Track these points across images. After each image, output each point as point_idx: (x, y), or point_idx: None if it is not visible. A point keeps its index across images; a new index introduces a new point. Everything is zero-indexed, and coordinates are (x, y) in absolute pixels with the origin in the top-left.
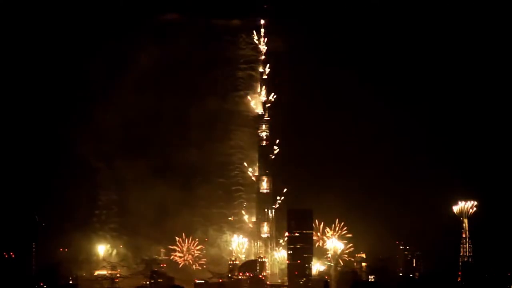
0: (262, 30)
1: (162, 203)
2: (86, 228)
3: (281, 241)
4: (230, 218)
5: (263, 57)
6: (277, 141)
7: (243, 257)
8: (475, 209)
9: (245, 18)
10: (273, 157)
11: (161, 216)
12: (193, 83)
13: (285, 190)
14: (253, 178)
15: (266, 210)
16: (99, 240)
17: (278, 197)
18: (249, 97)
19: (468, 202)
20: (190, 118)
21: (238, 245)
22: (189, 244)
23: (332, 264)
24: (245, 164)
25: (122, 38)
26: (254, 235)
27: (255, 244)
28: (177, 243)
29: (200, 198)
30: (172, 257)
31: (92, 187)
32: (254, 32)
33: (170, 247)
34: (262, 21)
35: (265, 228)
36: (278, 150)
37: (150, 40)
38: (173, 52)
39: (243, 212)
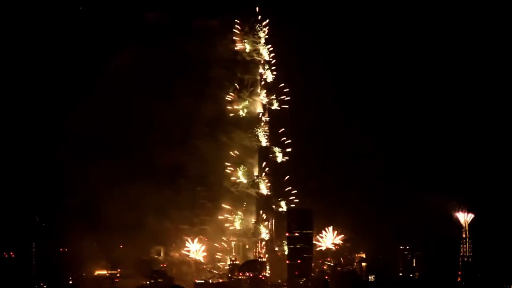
0: (264, 31)
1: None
2: (83, 228)
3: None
4: (230, 218)
5: (263, 58)
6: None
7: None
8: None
9: (241, 17)
10: (272, 156)
11: (154, 216)
12: (171, 84)
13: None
14: (255, 179)
15: (266, 210)
16: (98, 240)
17: (278, 198)
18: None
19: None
20: (167, 120)
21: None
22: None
23: (332, 264)
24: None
25: (98, 38)
26: (254, 235)
27: (255, 244)
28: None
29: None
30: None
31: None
32: (255, 32)
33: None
34: (264, 22)
35: (265, 229)
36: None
37: (135, 41)
38: (155, 52)
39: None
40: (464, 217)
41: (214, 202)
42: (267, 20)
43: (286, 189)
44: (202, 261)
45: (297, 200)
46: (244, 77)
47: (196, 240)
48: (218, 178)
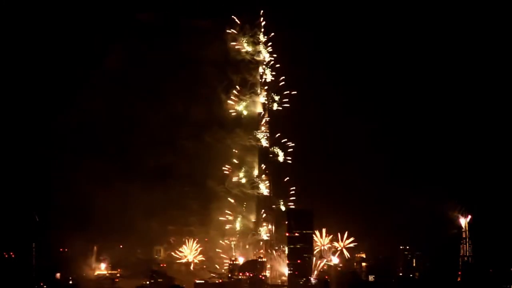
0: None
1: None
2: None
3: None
4: (224, 219)
5: (263, 57)
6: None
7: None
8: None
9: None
10: (272, 156)
11: (149, 216)
12: (163, 84)
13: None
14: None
15: (266, 210)
16: (97, 240)
17: (277, 198)
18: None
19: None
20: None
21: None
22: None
23: (332, 264)
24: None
25: (91, 38)
26: (254, 235)
27: (255, 244)
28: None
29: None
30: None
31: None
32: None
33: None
34: (263, 22)
35: (265, 228)
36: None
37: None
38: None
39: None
40: (463, 217)
41: (205, 203)
42: (263, 18)
43: (286, 190)
44: (190, 262)
45: (296, 199)
46: (241, 77)
47: (192, 241)
48: (212, 179)
